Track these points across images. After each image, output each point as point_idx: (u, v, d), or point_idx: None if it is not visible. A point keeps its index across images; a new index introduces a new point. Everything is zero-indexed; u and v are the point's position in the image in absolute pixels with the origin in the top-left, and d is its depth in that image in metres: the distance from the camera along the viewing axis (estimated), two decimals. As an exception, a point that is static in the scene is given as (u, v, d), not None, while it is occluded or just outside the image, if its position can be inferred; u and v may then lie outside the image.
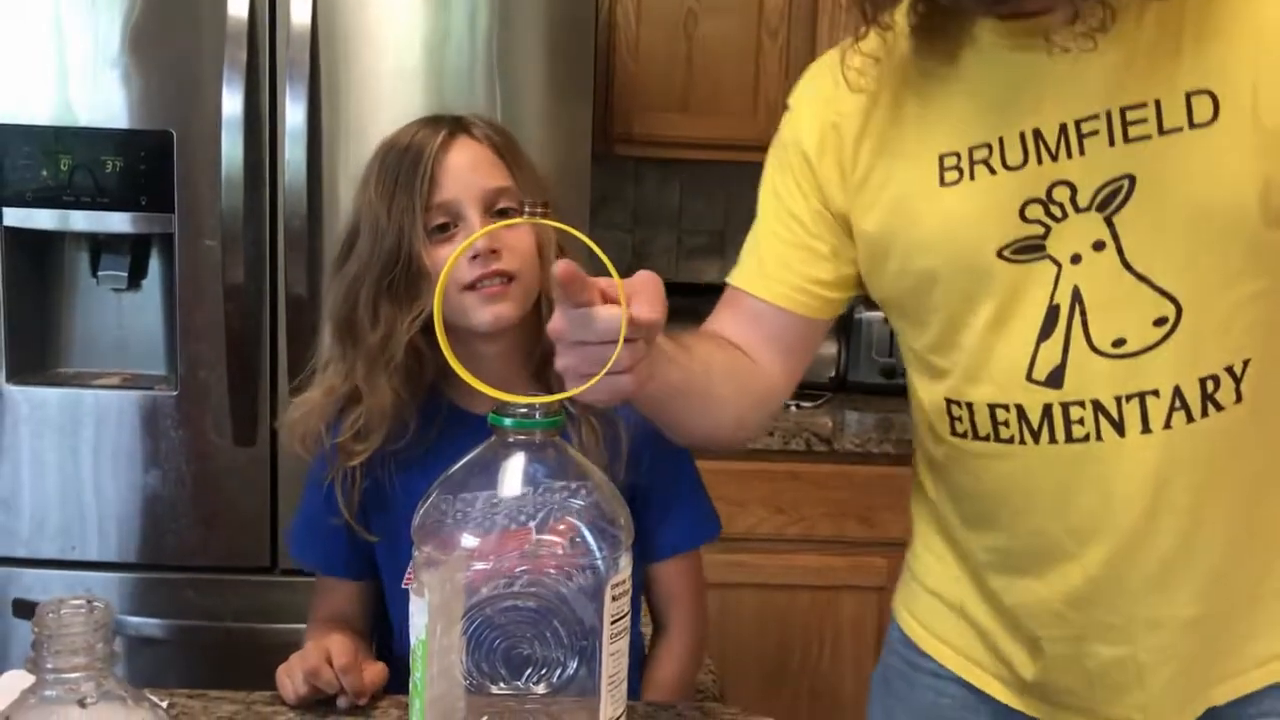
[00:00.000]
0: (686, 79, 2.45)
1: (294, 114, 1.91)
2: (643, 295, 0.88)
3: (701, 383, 1.06)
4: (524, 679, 0.89)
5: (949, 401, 1.05)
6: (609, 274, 0.88)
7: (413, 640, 0.89)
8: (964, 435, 1.04)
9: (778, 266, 1.13)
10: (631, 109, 2.44)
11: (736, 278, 1.16)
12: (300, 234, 1.93)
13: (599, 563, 0.89)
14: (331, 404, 1.23)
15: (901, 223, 1.04)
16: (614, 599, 0.88)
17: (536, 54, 1.99)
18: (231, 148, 1.90)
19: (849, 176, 1.08)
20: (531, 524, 1.17)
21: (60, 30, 1.92)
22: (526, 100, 1.99)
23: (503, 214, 1.20)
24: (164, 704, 1.08)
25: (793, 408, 2.39)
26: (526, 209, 0.91)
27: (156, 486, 2.01)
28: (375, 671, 1.13)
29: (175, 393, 2.00)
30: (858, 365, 2.58)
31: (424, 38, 1.97)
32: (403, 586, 1.26)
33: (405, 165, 1.19)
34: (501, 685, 0.89)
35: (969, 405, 1.03)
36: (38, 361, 2.06)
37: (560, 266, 0.85)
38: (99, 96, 1.94)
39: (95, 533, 2.03)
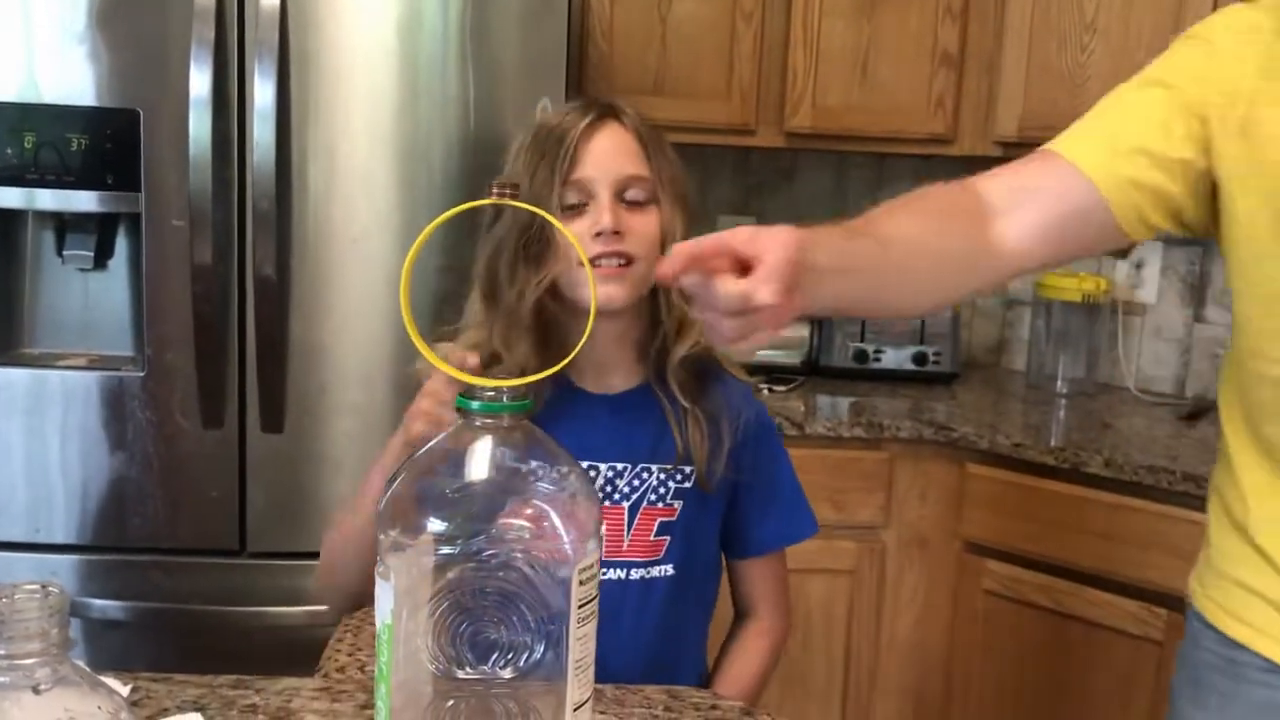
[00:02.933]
0: (660, 62, 2.44)
1: (263, 93, 1.89)
2: (769, 271, 0.86)
3: (874, 273, 1.03)
4: (491, 663, 0.88)
5: None
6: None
7: (378, 624, 0.89)
8: None
9: (1128, 152, 1.10)
10: (605, 91, 2.42)
11: (1065, 145, 1.13)
12: (269, 214, 1.91)
13: (567, 546, 0.88)
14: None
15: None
16: (581, 583, 0.88)
17: (510, 35, 1.98)
18: (199, 127, 1.88)
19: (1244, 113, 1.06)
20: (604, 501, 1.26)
21: (26, 6, 1.90)
22: (499, 81, 1.98)
23: (634, 202, 1.24)
24: (127, 687, 1.08)
25: (764, 391, 2.40)
26: (494, 190, 0.90)
27: (123, 468, 2.00)
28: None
29: (142, 374, 1.98)
30: (829, 349, 2.58)
31: (396, 17, 1.95)
32: None
33: (551, 141, 1.24)
34: (468, 669, 0.88)
35: None
36: (2, 341, 2.04)
37: (674, 262, 0.87)
38: (65, 73, 1.91)
39: (61, 515, 2.01)
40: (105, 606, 2.00)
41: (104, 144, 1.92)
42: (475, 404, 0.88)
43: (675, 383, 1.28)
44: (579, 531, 0.88)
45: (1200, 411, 2.40)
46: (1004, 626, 2.16)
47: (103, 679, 0.76)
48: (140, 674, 1.12)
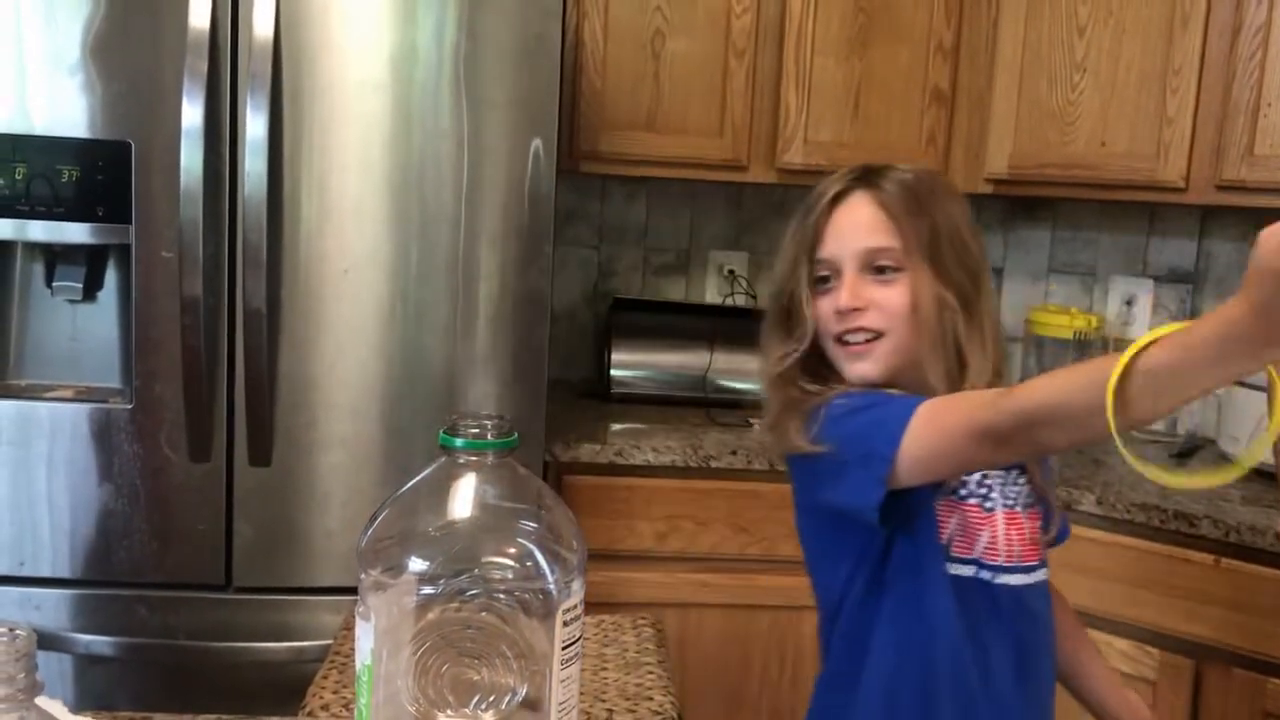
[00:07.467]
0: (653, 97, 2.45)
1: (255, 125, 1.89)
2: None
3: None
4: (472, 705, 0.87)
5: None
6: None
7: (358, 665, 0.87)
8: None
9: None
10: (598, 126, 2.43)
11: None
12: (259, 247, 1.91)
13: (550, 587, 0.87)
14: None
15: None
16: (565, 624, 0.87)
17: (504, 69, 1.98)
18: (191, 159, 1.87)
19: None
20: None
21: (19, 37, 1.89)
22: (493, 115, 1.98)
23: (880, 270, 1.25)
24: (105, 728, 1.06)
25: (755, 426, 2.39)
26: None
27: (110, 501, 1.98)
28: None
29: (130, 406, 1.97)
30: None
31: (389, 51, 1.95)
32: None
33: (804, 215, 1.29)
34: (449, 711, 0.87)
35: None
36: (-11, 373, 2.03)
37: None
38: (57, 105, 1.91)
39: (47, 548, 1.99)
40: (90, 641, 1.98)
41: (95, 175, 1.92)
42: (459, 441, 0.88)
43: None
44: (564, 571, 0.88)
45: (1192, 449, 2.40)
46: (996, 665, 2.14)
47: (78, 720, 0.75)
48: (119, 714, 1.11)
